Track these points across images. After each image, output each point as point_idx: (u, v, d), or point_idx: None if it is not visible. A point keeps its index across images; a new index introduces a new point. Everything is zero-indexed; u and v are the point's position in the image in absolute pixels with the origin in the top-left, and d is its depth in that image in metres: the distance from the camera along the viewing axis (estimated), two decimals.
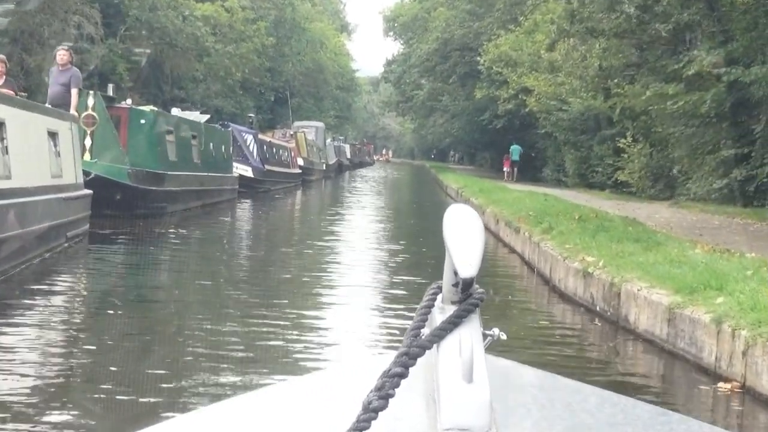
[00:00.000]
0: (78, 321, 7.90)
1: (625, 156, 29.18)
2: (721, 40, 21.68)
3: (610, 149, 31.80)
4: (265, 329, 7.67)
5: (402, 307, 8.83)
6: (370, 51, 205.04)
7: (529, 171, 45.36)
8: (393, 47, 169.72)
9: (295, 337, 7.39)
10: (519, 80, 38.08)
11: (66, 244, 11.72)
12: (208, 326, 7.73)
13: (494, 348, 1.29)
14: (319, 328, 7.94)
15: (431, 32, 53.31)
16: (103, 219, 14.68)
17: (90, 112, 16.28)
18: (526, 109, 37.58)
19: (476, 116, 51.36)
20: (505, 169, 44.47)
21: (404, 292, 10.01)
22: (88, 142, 16.25)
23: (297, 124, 49.86)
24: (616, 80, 27.98)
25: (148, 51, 40.54)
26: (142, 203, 16.41)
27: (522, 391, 1.30)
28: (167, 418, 1.41)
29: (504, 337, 1.28)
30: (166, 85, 45.71)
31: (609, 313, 8.41)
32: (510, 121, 44.59)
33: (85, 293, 9.47)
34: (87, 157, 16.11)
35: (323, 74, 70.90)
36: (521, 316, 8.95)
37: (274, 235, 18.13)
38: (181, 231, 16.22)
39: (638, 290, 7.76)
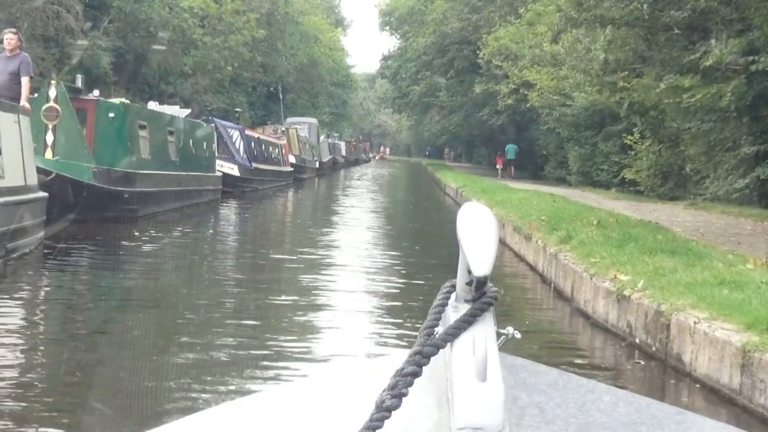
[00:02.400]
0: None
1: (633, 153, 27.83)
2: (740, 28, 20.19)
3: (616, 146, 30.53)
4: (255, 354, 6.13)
5: (401, 331, 7.26)
6: (365, 48, 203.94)
7: (529, 168, 44.08)
8: (389, 43, 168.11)
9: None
10: (520, 74, 36.63)
11: (5, 258, 10.08)
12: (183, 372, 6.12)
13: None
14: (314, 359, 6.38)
15: (428, 25, 51.69)
16: (64, 224, 13.12)
17: (52, 104, 14.69)
18: (528, 105, 36.18)
19: (475, 112, 49.85)
20: (497, 166, 43.79)
21: (405, 307, 8.43)
22: (49, 137, 14.67)
23: (289, 120, 48.26)
24: (623, 73, 26.47)
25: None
26: (110, 206, 14.81)
27: (536, 390, 1.24)
28: (178, 417, 1.31)
29: (518, 335, 1.26)
30: (153, 80, 44.05)
31: (654, 349, 6.79)
32: (510, 117, 43.17)
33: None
34: (48, 154, 14.57)
35: (318, 70, 69.18)
36: (544, 349, 7.29)
37: (259, 240, 16.45)
38: (153, 237, 14.57)
39: (695, 323, 6.15)
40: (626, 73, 25.79)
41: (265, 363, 6.46)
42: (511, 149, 42.88)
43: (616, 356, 7.24)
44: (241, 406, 1.34)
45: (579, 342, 8.03)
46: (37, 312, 8.33)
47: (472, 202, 1.25)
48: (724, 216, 17.03)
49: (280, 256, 13.30)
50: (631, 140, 27.57)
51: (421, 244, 15.57)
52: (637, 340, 7.11)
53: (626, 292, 7.41)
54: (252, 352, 6.78)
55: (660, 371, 6.53)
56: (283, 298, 9.43)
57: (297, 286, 10.37)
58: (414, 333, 7.96)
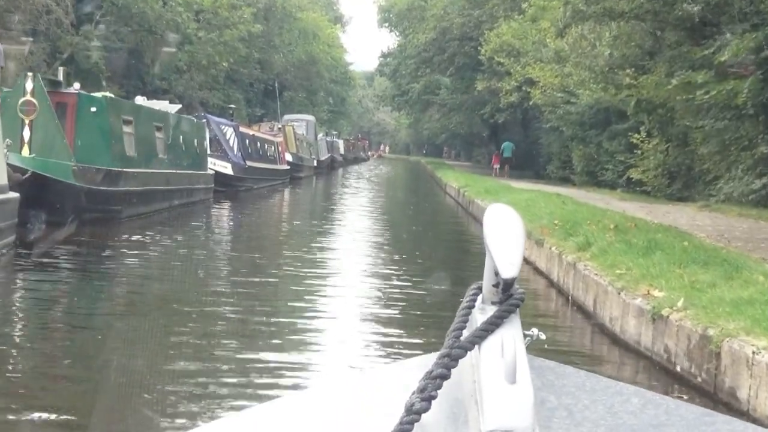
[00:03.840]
0: None
1: (639, 152, 26.93)
2: (755, 23, 19.32)
3: (622, 145, 29.64)
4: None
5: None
6: (364, 46, 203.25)
7: (532, 167, 43.26)
8: (388, 40, 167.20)
9: None
10: (523, 71, 35.72)
11: None
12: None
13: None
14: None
15: (428, 21, 50.77)
16: (40, 227, 12.19)
17: (28, 98, 13.78)
18: (530, 102, 35.27)
19: (476, 110, 48.96)
20: (494, 165, 43.19)
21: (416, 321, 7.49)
22: (26, 133, 13.76)
23: (286, 117, 47.38)
24: (630, 70, 25.58)
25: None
26: (91, 207, 13.89)
27: (564, 392, 1.22)
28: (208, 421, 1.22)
29: (543, 336, 1.25)
30: (147, 76, 43.08)
31: (699, 380, 5.86)
32: (512, 115, 42.29)
33: None
34: (25, 151, 13.67)
35: (316, 67, 68.24)
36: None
37: (252, 245, 15.47)
38: (136, 242, 13.60)
39: (754, 353, 5.21)
40: (633, 69, 24.92)
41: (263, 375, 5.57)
42: (507, 147, 42.25)
43: (651, 386, 6.30)
44: (270, 409, 1.29)
45: (605, 365, 7.06)
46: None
47: (498, 204, 1.21)
48: (743, 219, 16.12)
49: (274, 262, 12.37)
50: (637, 139, 26.73)
51: (422, 251, 14.64)
52: (678, 369, 6.17)
53: (664, 312, 6.46)
54: (247, 366, 5.94)
55: (708, 408, 5.58)
56: (273, 308, 8.51)
57: (290, 295, 9.46)
58: (416, 343, 7.16)
